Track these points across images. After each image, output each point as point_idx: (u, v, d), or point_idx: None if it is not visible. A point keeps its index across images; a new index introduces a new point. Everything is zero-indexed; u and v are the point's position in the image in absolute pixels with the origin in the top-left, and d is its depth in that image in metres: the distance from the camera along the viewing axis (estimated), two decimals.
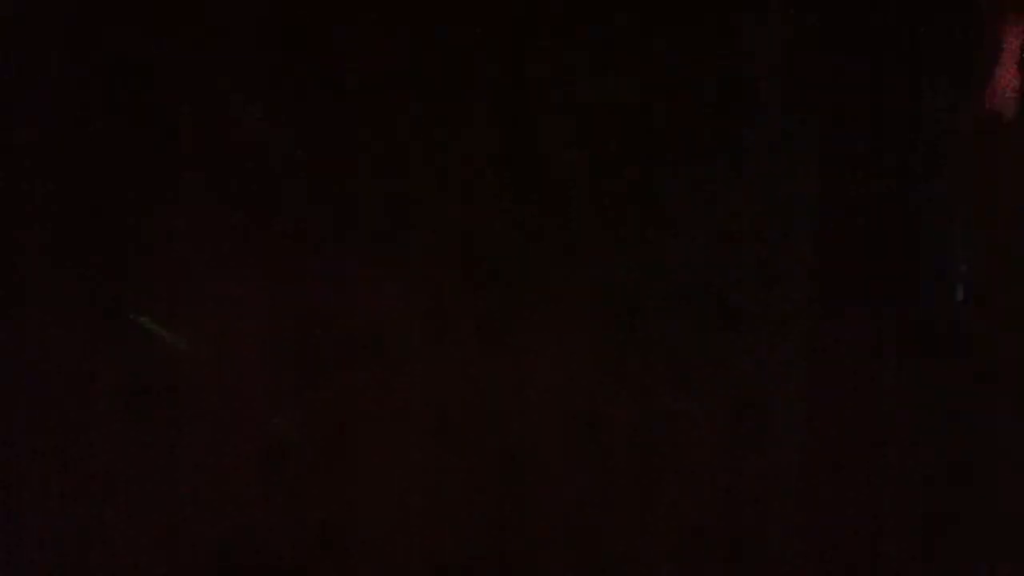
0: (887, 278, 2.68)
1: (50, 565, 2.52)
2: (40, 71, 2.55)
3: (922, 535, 2.64)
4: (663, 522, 2.61)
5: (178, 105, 2.57)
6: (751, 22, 2.64)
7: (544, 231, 2.62)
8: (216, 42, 2.57)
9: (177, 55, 2.56)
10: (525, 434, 2.59)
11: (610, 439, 2.61)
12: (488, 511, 2.58)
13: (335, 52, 2.59)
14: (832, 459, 2.64)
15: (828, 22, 2.66)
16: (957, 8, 2.68)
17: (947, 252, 2.69)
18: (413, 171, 2.60)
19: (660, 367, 2.62)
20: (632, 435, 2.61)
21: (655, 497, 2.61)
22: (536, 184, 2.62)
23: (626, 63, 2.62)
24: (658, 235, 2.63)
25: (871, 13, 2.66)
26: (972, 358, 2.67)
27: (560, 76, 2.62)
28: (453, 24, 2.60)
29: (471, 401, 2.59)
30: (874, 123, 2.68)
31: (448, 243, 2.60)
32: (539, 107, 2.62)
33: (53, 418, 2.53)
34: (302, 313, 2.58)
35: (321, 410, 2.57)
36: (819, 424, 2.66)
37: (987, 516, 2.65)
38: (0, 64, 2.54)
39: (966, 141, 2.69)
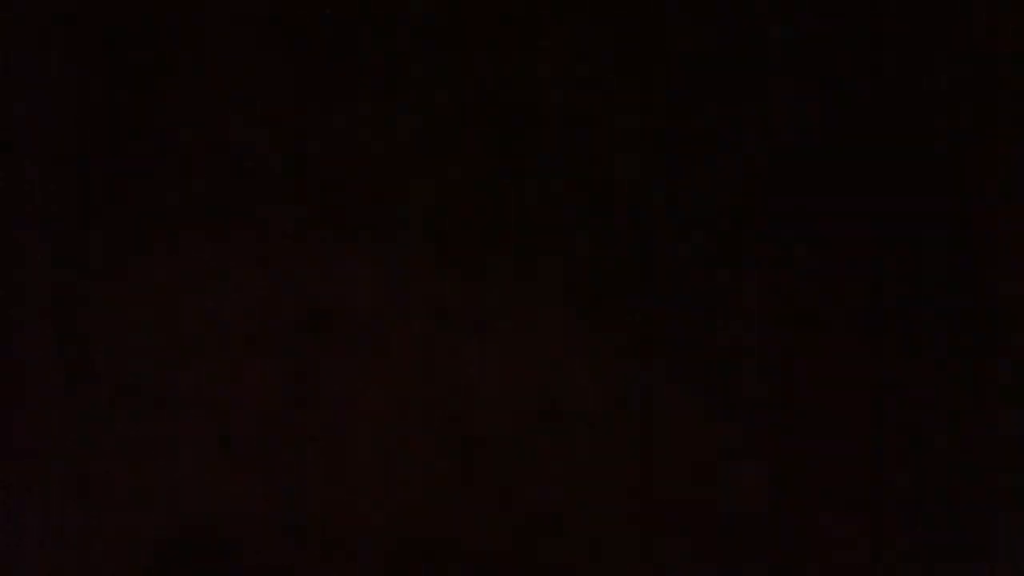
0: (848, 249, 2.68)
1: (18, 561, 2.52)
2: (40, 71, 2.55)
3: (896, 512, 2.64)
4: (629, 508, 2.59)
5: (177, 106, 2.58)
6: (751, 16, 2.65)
7: (514, 210, 2.61)
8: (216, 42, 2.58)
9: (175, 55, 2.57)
10: (489, 419, 2.58)
11: (575, 424, 2.59)
12: (451, 497, 2.57)
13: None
14: (806, 444, 2.64)
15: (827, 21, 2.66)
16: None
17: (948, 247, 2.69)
18: (377, 148, 2.60)
19: (629, 351, 2.60)
20: (599, 420, 2.60)
21: (621, 482, 2.60)
22: (507, 165, 2.62)
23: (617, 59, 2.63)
24: (627, 220, 2.62)
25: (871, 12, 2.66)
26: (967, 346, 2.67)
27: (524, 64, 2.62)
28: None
29: (435, 386, 2.57)
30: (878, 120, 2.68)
31: (413, 224, 2.59)
32: (514, 96, 2.62)
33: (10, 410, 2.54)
34: (262, 297, 2.57)
35: (282, 396, 2.56)
36: (793, 407, 2.64)
37: (938, 491, 2.64)
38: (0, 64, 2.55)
39: (969, 137, 2.69)
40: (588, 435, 2.60)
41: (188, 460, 2.55)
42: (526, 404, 2.59)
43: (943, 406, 2.67)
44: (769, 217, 2.67)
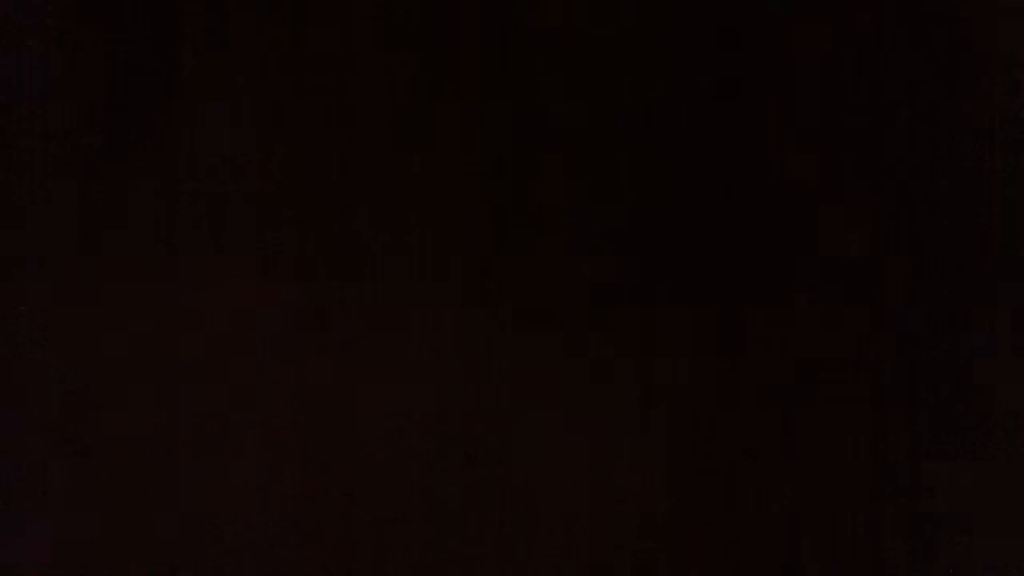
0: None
1: None
2: (40, 71, 2.57)
3: (895, 519, 2.64)
4: (527, 551, 2.49)
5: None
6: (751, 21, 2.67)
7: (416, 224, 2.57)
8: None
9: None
10: (375, 449, 2.49)
11: (472, 453, 2.49)
12: (332, 532, 2.48)
13: None
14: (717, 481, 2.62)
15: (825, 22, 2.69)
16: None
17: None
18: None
19: (531, 376, 2.51)
20: (496, 452, 2.49)
21: (518, 522, 2.49)
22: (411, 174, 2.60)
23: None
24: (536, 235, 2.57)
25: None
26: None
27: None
28: None
29: (316, 410, 2.50)
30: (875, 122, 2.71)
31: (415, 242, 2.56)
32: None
33: None
34: (263, 302, 2.55)
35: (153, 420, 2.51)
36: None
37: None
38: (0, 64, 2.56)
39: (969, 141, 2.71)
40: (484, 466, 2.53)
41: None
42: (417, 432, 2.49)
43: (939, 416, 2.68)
44: (760, 223, 2.68)
